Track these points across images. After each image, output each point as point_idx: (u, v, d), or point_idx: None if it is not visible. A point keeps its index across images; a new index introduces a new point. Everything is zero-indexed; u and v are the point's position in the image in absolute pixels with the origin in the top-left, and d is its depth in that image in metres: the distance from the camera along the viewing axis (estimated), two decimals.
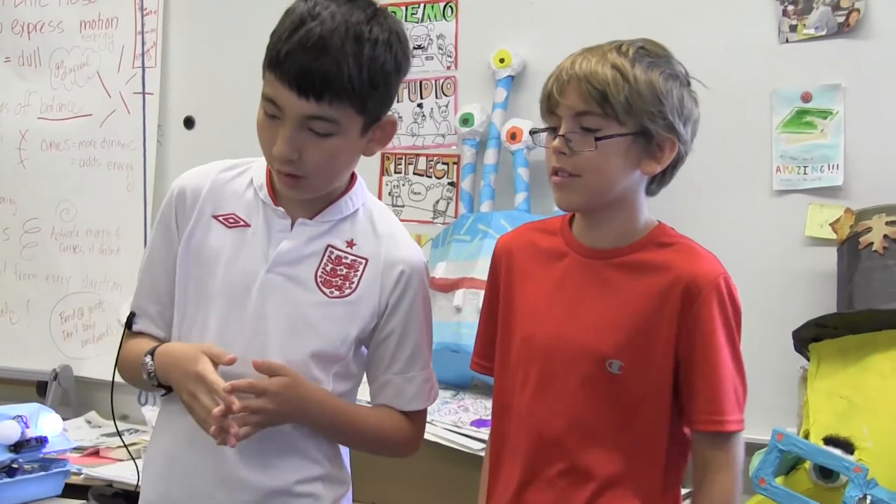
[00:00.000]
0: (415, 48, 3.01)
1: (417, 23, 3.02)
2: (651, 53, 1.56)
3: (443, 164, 3.00)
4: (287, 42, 1.49)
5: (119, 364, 1.73)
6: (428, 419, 2.45)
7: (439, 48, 3.00)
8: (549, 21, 2.87)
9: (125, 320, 1.72)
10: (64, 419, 2.79)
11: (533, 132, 1.65)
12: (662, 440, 1.58)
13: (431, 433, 2.45)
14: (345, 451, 1.75)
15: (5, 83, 3.55)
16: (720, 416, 1.55)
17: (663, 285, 1.54)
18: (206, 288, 1.63)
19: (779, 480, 2.01)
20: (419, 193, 3.03)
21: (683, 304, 1.53)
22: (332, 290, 1.62)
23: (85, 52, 3.45)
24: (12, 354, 3.48)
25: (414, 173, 3.04)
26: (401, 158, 3.05)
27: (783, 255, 2.59)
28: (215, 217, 1.65)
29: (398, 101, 3.03)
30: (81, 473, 2.63)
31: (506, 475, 1.66)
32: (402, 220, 2.94)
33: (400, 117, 3.03)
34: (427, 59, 3.01)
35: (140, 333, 1.70)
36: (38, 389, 3.30)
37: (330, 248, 1.63)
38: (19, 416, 2.33)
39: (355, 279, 1.63)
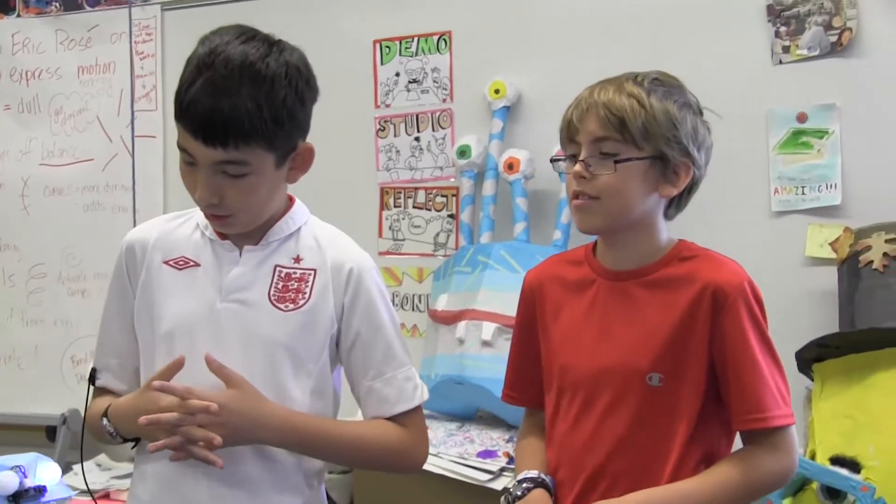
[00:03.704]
0: (410, 82, 3.04)
1: (412, 57, 3.04)
2: (665, 84, 1.64)
3: (442, 196, 3.01)
4: (187, 93, 1.54)
5: (87, 426, 1.75)
6: (433, 451, 2.48)
7: (434, 81, 3.01)
8: (543, 51, 2.89)
9: (88, 376, 1.75)
10: (73, 462, 2.78)
11: (553, 160, 1.72)
12: (692, 442, 1.61)
13: (437, 465, 2.44)
14: (323, 484, 1.74)
15: (6, 131, 3.57)
16: (759, 413, 1.58)
17: (691, 296, 1.59)
18: (165, 329, 1.66)
19: (786, 502, 2.00)
20: (419, 227, 3.04)
21: (713, 312, 1.58)
22: (287, 304, 1.65)
23: (84, 97, 3.48)
24: (22, 400, 3.49)
25: (413, 207, 3.04)
26: (400, 192, 3.07)
27: (784, 275, 2.59)
28: (166, 263, 1.70)
29: (395, 136, 3.06)
30: None
31: (559, 500, 1.67)
32: (403, 254, 3.07)
33: (398, 151, 3.05)
34: (423, 92, 3.03)
35: (103, 390, 1.75)
36: (48, 434, 3.30)
37: (278, 268, 1.67)
38: (17, 466, 2.32)
39: (307, 290, 1.66)
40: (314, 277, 1.67)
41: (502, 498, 1.68)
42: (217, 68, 1.53)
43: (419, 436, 1.73)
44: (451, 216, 2.99)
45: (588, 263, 1.71)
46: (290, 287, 1.66)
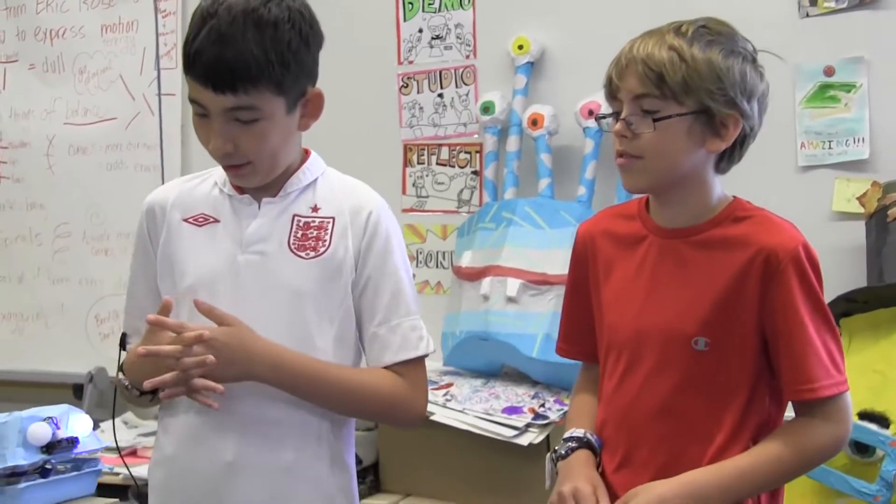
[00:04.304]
0: (433, 38, 3.02)
1: (435, 13, 3.02)
2: (712, 31, 1.57)
3: (465, 152, 3.00)
4: (193, 43, 1.57)
5: (119, 390, 1.78)
6: (459, 408, 2.49)
7: (458, 37, 3.00)
8: (566, 6, 2.86)
9: (119, 341, 1.77)
10: (100, 420, 2.81)
11: (598, 118, 1.68)
12: (747, 412, 1.56)
13: (463, 421, 2.45)
14: (349, 436, 1.75)
15: (31, 90, 3.59)
16: (808, 384, 1.52)
17: (743, 260, 1.54)
18: (187, 284, 1.68)
19: None
20: (443, 183, 3.04)
21: (764, 278, 1.52)
22: (308, 252, 1.67)
23: (107, 56, 3.48)
24: (49, 358, 3.53)
25: (437, 163, 3.04)
26: (423, 149, 3.06)
27: (810, 230, 2.47)
28: (185, 220, 1.72)
29: (418, 92, 3.05)
30: (119, 474, 2.66)
31: (604, 461, 1.65)
32: (426, 211, 3.07)
33: (421, 108, 3.04)
34: (446, 48, 3.01)
35: None
36: (75, 392, 3.33)
37: (297, 217, 1.69)
38: (50, 417, 2.36)
39: (326, 237, 1.68)
40: (333, 225, 1.68)
41: (548, 455, 1.66)
42: (220, 16, 1.55)
43: (416, 387, 1.70)
44: (474, 173, 2.99)
45: (640, 218, 1.66)
46: (310, 235, 1.67)
